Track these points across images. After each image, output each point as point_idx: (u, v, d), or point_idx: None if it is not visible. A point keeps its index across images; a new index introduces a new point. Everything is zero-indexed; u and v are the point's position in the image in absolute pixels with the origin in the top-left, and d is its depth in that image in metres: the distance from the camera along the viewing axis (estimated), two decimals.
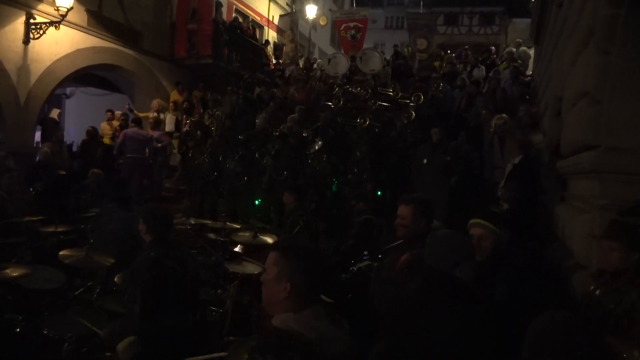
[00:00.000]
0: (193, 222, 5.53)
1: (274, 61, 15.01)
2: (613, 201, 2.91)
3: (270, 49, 15.33)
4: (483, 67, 11.89)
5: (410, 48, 13.60)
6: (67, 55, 9.52)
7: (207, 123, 9.72)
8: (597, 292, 2.37)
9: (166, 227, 3.09)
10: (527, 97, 8.51)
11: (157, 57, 11.97)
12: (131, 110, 10.80)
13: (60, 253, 3.88)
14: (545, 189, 4.93)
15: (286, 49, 15.73)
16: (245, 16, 16.39)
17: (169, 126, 10.55)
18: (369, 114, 8.08)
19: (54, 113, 10.12)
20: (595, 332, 1.87)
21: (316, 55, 19.50)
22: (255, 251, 4.67)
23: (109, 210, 5.41)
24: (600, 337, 1.67)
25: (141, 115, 10.42)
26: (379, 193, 6.92)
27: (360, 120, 7.88)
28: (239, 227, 5.26)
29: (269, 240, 4.52)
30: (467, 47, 14.23)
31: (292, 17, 18.26)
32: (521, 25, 21.27)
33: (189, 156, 9.21)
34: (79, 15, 9.67)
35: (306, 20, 18.20)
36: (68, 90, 14.92)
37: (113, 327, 2.95)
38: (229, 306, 3.61)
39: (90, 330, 3.09)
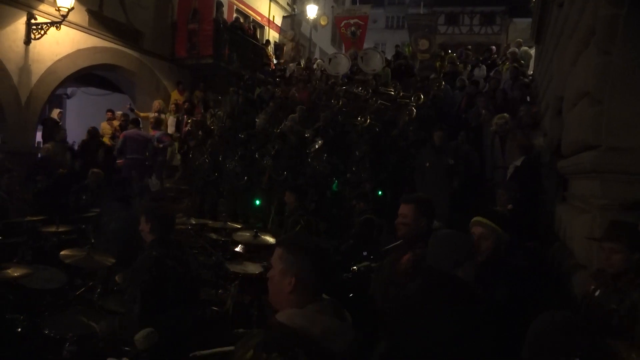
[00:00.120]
0: (194, 222, 5.54)
1: (275, 61, 15.00)
2: (614, 201, 2.91)
3: (270, 49, 15.31)
4: (484, 67, 11.88)
5: (410, 48, 13.57)
6: (68, 56, 9.51)
7: (208, 123, 9.73)
8: (597, 292, 2.37)
9: (168, 226, 3.08)
10: (528, 97, 8.50)
11: (158, 57, 11.96)
12: (132, 110, 10.81)
13: (61, 253, 3.89)
14: (546, 189, 4.93)
15: (287, 48, 15.72)
16: (246, 16, 16.38)
17: (170, 128, 10.54)
18: (370, 113, 8.07)
19: (55, 113, 10.12)
20: (595, 332, 1.87)
21: (317, 55, 19.48)
22: (255, 251, 4.68)
23: (110, 210, 5.42)
24: (600, 337, 1.67)
25: (142, 115, 10.44)
26: (380, 193, 6.90)
27: (360, 119, 7.86)
28: (239, 226, 5.27)
29: (269, 240, 4.53)
30: (469, 47, 14.17)
31: (294, 19, 18.26)
32: (522, 25, 21.22)
33: (190, 156, 9.23)
34: (80, 16, 9.67)
35: (307, 21, 18.19)
36: (69, 90, 14.93)
37: (111, 323, 2.94)
38: (229, 306, 3.62)
39: (91, 329, 3.09)
